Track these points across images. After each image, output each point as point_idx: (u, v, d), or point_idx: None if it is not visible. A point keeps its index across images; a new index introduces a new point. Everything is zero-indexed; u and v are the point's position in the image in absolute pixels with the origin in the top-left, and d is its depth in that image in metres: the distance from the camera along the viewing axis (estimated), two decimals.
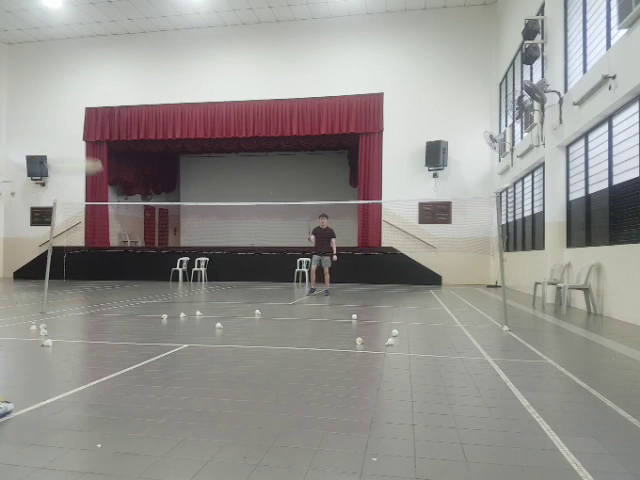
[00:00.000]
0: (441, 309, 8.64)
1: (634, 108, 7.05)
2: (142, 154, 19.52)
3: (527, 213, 12.77)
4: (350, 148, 18.49)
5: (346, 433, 2.63)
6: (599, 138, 8.35)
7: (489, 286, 14.75)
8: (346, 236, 17.80)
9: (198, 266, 15.90)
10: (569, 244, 9.74)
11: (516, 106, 12.08)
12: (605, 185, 8.03)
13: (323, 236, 11.46)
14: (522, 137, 12.68)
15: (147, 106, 17.76)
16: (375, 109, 16.43)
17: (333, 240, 11.45)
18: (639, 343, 5.35)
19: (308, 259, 15.34)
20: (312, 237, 11.46)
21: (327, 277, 11.53)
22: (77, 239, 17.70)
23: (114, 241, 18.96)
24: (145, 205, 21.55)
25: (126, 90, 18.04)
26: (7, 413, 2.84)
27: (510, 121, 14.04)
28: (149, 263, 16.71)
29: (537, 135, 10.84)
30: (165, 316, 7.26)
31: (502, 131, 14.80)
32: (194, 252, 16.46)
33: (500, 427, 2.74)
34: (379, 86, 16.43)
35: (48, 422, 2.79)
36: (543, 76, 10.54)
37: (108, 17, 16.83)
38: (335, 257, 11.39)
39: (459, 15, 16.11)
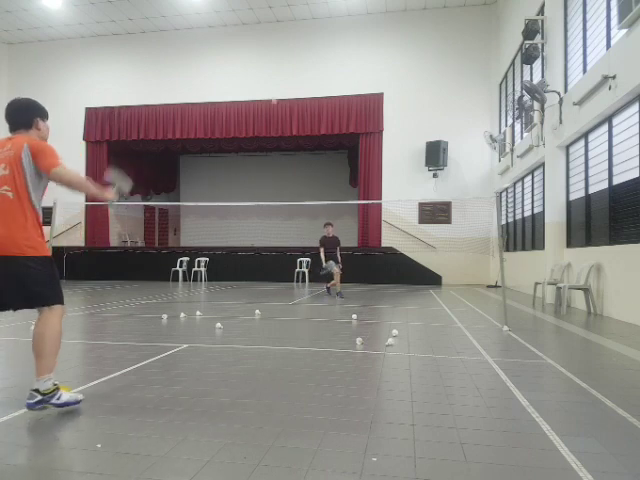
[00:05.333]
0: (441, 309, 8.64)
1: (634, 108, 7.05)
2: (142, 154, 19.51)
3: (527, 213, 12.77)
4: (350, 148, 18.49)
5: (346, 433, 2.63)
6: (599, 138, 8.35)
7: (489, 286, 14.75)
8: (346, 236, 17.78)
9: (198, 266, 15.90)
10: (569, 244, 9.74)
11: (516, 106, 12.08)
12: (605, 185, 8.02)
13: (331, 245, 11.38)
14: (522, 137, 12.68)
15: (147, 106, 17.77)
16: (375, 109, 16.44)
17: (338, 249, 11.41)
18: (639, 343, 5.35)
19: (308, 259, 15.36)
20: (322, 250, 11.20)
21: (337, 279, 11.43)
22: (77, 239, 17.71)
23: (114, 241, 18.96)
24: (145, 205, 21.55)
25: (126, 90, 18.04)
26: (77, 402, 3.00)
27: (510, 121, 14.04)
28: (149, 263, 16.71)
29: (537, 135, 10.84)
30: (165, 316, 7.26)
31: (502, 131, 14.80)
32: (194, 252, 16.46)
33: (500, 427, 2.74)
34: (379, 86, 16.43)
35: (48, 422, 2.79)
36: (543, 76, 10.54)
37: (108, 17, 16.84)
38: (340, 266, 11.30)
39: (459, 15, 16.11)
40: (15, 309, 2.99)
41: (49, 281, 2.99)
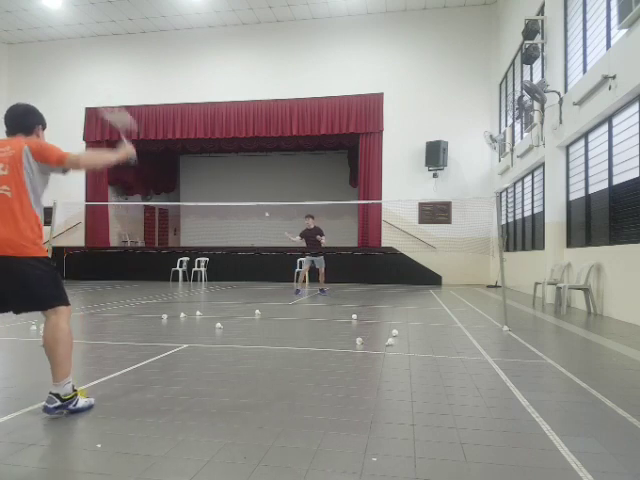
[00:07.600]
0: (441, 309, 8.64)
1: (634, 108, 7.05)
2: (142, 154, 19.21)
3: (527, 213, 12.76)
4: (350, 148, 18.48)
5: (346, 433, 2.63)
6: (599, 138, 8.34)
7: (489, 286, 14.75)
8: (346, 236, 17.81)
9: (198, 266, 15.89)
10: (569, 244, 9.74)
11: (516, 106, 12.08)
12: (605, 185, 8.02)
13: (312, 236, 11.23)
14: (522, 137, 12.68)
15: (147, 106, 17.75)
16: (375, 109, 16.43)
17: (322, 238, 11.16)
18: (639, 343, 5.35)
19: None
20: (298, 238, 11.28)
21: (322, 278, 11.42)
22: (77, 239, 17.70)
23: (114, 241, 18.94)
24: (145, 205, 21.55)
25: (126, 90, 18.02)
26: (91, 406, 3.02)
27: (510, 121, 14.04)
28: (149, 263, 16.71)
29: (537, 135, 10.84)
30: (165, 316, 7.26)
31: (502, 131, 14.80)
32: (194, 252, 16.46)
33: (500, 427, 2.74)
34: (379, 86, 16.42)
35: (48, 422, 2.79)
36: (543, 76, 10.54)
37: (108, 17, 16.83)
38: (324, 240, 11.14)
39: (459, 15, 16.11)
40: (17, 312, 2.95)
41: (52, 282, 2.97)
